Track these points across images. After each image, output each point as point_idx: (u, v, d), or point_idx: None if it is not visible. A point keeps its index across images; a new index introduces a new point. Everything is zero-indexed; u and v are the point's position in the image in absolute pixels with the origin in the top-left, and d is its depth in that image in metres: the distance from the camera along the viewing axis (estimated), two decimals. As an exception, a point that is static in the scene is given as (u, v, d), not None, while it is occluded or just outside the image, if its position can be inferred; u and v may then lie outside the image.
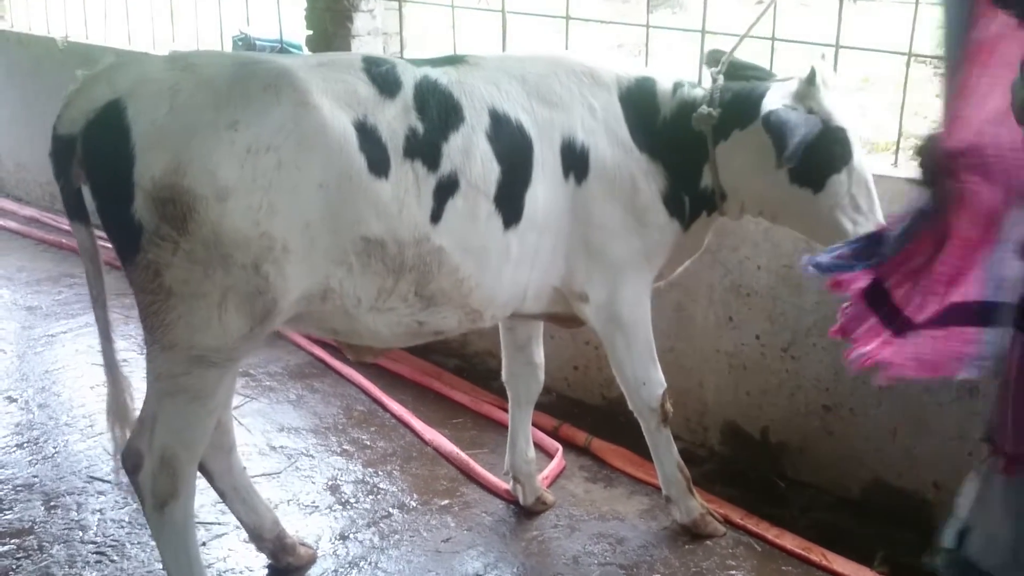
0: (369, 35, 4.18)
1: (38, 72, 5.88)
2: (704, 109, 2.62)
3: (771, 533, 2.99)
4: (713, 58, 2.77)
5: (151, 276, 2.20)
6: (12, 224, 5.78)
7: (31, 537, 2.94)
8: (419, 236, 2.38)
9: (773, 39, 3.19)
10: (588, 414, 3.70)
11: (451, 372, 4.04)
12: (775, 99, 2.55)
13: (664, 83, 2.74)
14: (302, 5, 4.37)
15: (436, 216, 2.39)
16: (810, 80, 2.54)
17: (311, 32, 4.32)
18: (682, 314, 3.44)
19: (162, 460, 2.34)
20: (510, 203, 2.50)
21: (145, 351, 2.34)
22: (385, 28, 4.21)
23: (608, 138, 2.64)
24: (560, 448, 3.42)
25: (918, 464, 3.03)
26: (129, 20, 5.53)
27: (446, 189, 2.40)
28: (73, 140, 2.25)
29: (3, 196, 6.30)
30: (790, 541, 2.95)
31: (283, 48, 4.77)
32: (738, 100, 2.65)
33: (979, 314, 1.79)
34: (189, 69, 2.22)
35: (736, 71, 2.74)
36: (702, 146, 2.69)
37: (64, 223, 5.70)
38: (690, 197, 2.75)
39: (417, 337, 2.62)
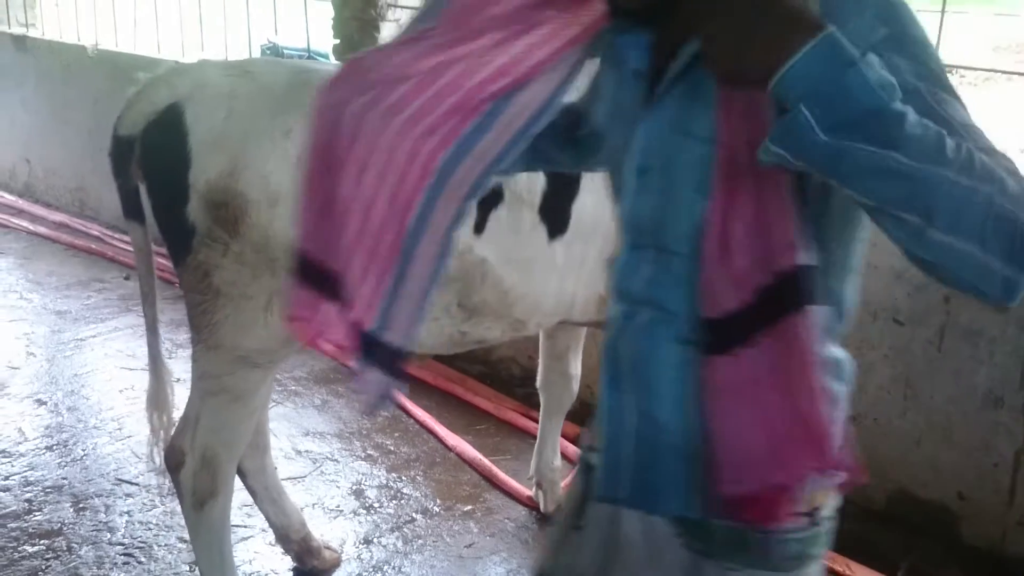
0: (395, 44, 4.21)
1: (68, 79, 5.96)
2: None
3: (794, 542, 2.98)
4: None
5: (201, 276, 2.24)
6: (42, 229, 5.85)
7: (60, 538, 2.98)
8: (462, 247, 2.39)
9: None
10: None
11: (475, 378, 4.06)
12: None
13: None
14: (329, 14, 4.41)
15: (480, 227, 2.40)
16: None
17: (338, 41, 4.36)
18: (706, 322, 3.44)
19: (203, 459, 2.38)
20: (556, 213, 2.49)
21: (191, 351, 2.38)
22: (411, 37, 4.24)
23: None
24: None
25: (942, 474, 3.02)
26: (158, 28, 5.60)
27: (490, 200, 2.41)
28: (132, 141, 2.30)
29: (33, 201, 6.38)
30: (813, 550, 2.94)
31: (310, 57, 4.81)
32: None
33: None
34: (247, 76, 2.27)
35: None
36: None
37: (94, 228, 5.78)
38: None
39: (460, 346, 2.62)
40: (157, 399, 2.53)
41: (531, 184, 2.45)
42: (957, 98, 1.12)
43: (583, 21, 1.26)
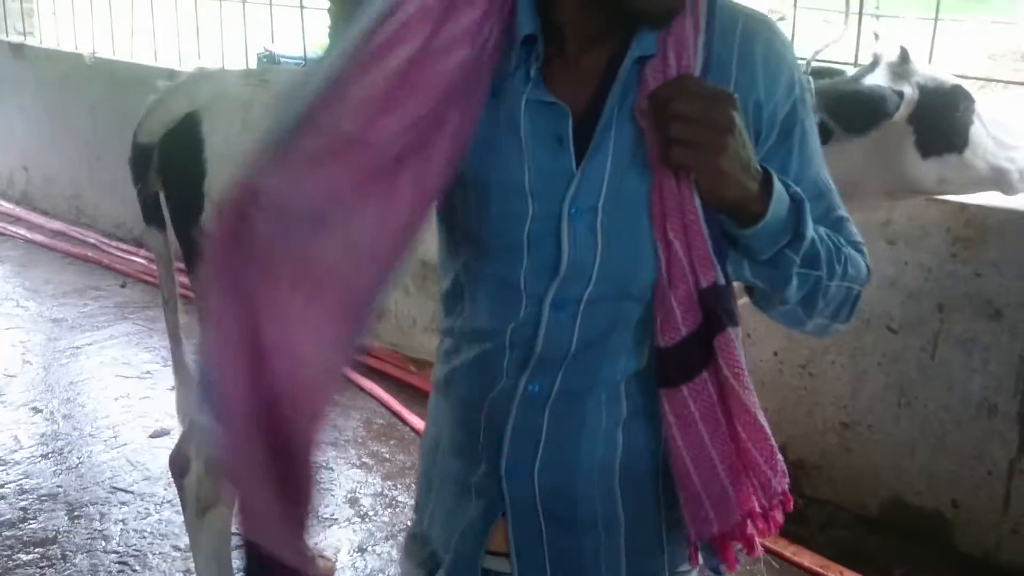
0: (391, 52, 4.21)
1: (65, 87, 5.97)
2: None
3: (789, 551, 2.98)
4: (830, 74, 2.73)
5: None
6: (39, 237, 5.85)
7: (55, 546, 2.97)
8: None
9: (792, 57, 3.20)
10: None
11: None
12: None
13: None
14: (326, 23, 4.42)
15: None
16: (904, 58, 2.55)
17: (334, 49, 4.36)
18: (700, 330, 3.44)
19: (208, 466, 2.38)
20: None
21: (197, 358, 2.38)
22: (407, 45, 4.25)
23: None
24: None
25: (936, 482, 3.03)
26: (155, 37, 5.61)
27: None
28: (151, 149, 2.31)
29: (30, 209, 6.38)
30: (808, 559, 2.94)
31: (307, 65, 4.82)
32: (840, 103, 2.59)
33: None
34: (263, 85, 2.28)
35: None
36: None
37: (90, 236, 5.78)
38: None
39: None
40: (186, 406, 2.53)
41: None
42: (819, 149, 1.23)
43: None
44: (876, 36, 2.80)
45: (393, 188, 1.07)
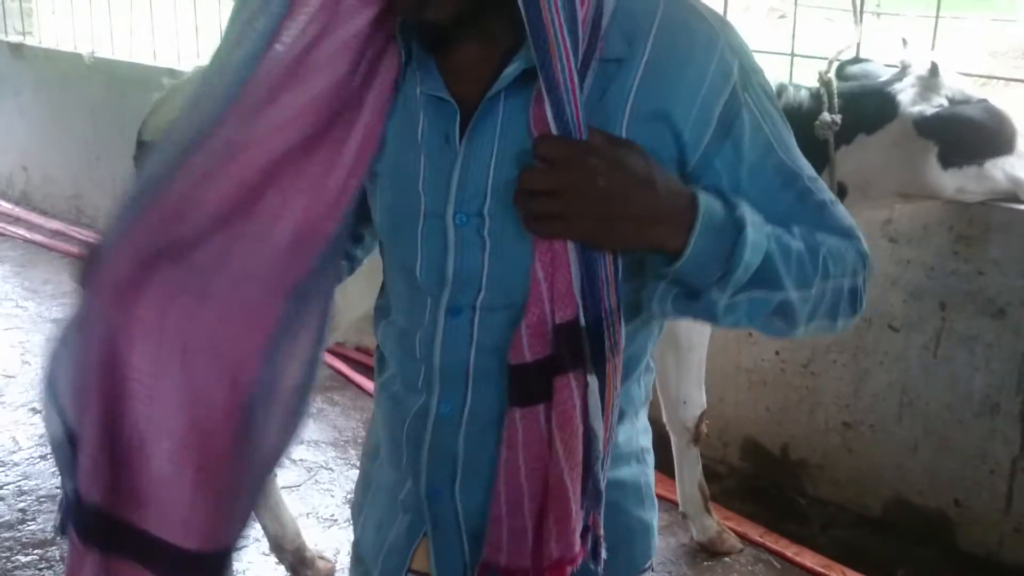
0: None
1: (65, 87, 5.96)
2: (827, 116, 2.57)
3: (791, 551, 2.97)
4: (838, 74, 2.72)
5: None
6: (38, 237, 5.84)
7: (53, 548, 2.96)
8: None
9: (792, 55, 3.19)
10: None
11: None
12: (911, 99, 2.56)
13: None
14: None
15: None
16: (934, 72, 2.55)
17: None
18: (701, 329, 3.44)
19: None
20: None
21: None
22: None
23: None
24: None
25: (939, 482, 3.01)
26: (155, 37, 5.60)
27: None
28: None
29: (30, 209, 6.37)
30: (810, 559, 2.93)
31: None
32: (859, 103, 2.62)
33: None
34: None
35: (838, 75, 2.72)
36: (813, 149, 2.55)
37: (90, 236, 5.76)
38: None
39: None
40: None
41: None
42: (790, 130, 1.15)
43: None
44: (904, 42, 2.78)
45: (298, 182, 1.08)
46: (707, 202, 1.02)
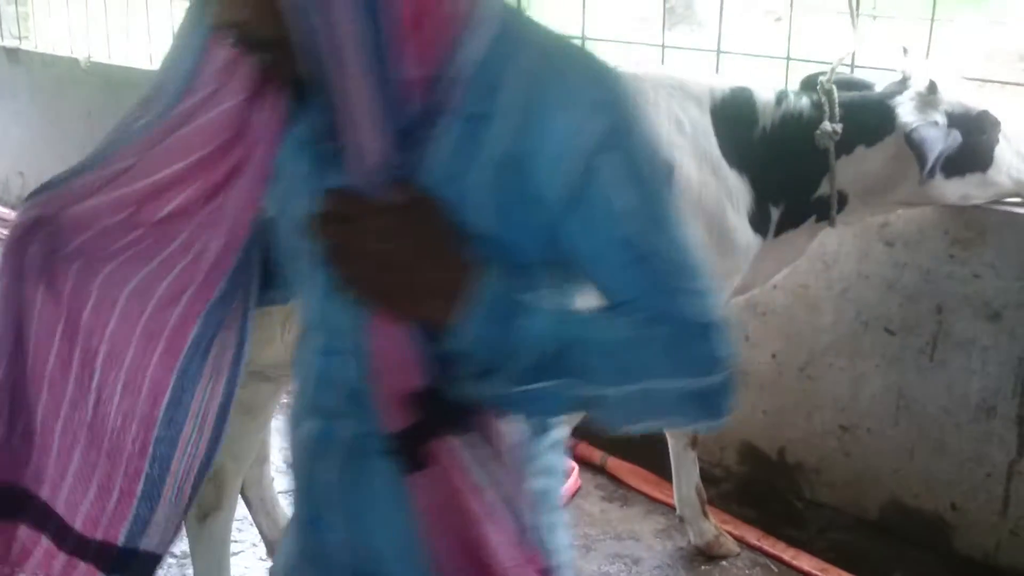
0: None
1: (61, 92, 5.95)
2: (828, 126, 2.57)
3: (788, 554, 2.97)
4: (809, 83, 2.71)
5: None
6: (35, 242, 5.83)
7: None
8: None
9: (788, 59, 3.20)
10: (603, 432, 3.69)
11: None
12: (909, 113, 2.56)
13: (764, 93, 2.67)
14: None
15: None
16: (932, 90, 2.56)
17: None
18: (698, 333, 3.43)
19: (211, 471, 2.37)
20: None
21: None
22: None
23: (696, 154, 2.59)
24: (576, 467, 3.42)
25: (936, 485, 3.02)
26: (151, 40, 5.60)
27: None
28: None
29: (26, 214, 6.35)
30: (807, 562, 2.93)
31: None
32: (859, 115, 2.62)
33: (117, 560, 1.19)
34: None
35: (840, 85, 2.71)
36: (813, 157, 2.62)
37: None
38: (794, 208, 2.70)
39: None
40: None
41: None
42: (669, 200, 1.04)
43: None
44: (905, 50, 2.79)
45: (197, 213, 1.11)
46: (494, 282, 0.97)
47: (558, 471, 1.25)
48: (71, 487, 1.14)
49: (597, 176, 0.98)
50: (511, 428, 1.08)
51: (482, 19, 0.99)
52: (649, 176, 1.01)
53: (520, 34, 1.02)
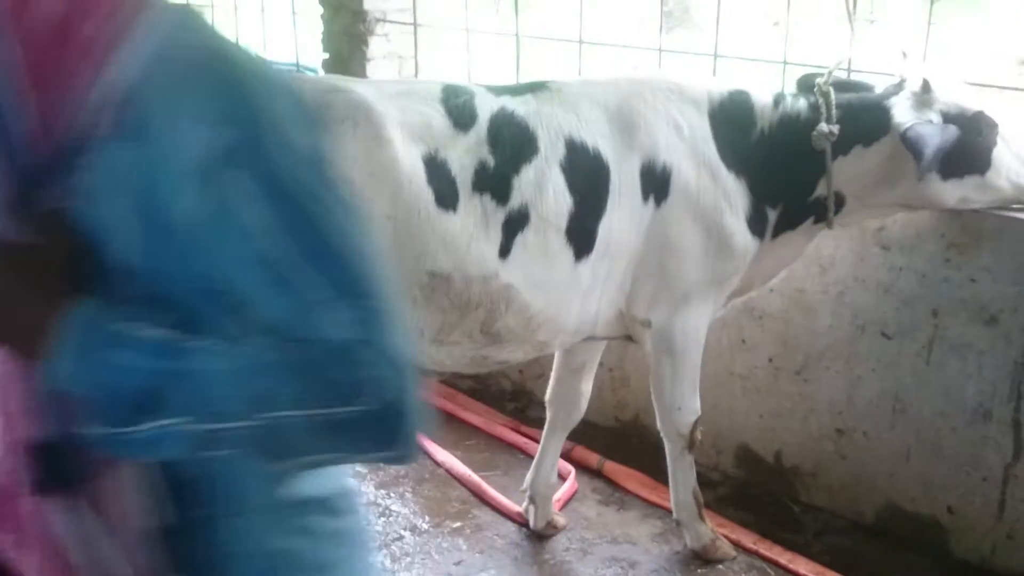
0: (384, 58, 4.22)
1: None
2: (824, 127, 2.59)
3: (784, 558, 2.97)
4: (806, 84, 2.72)
5: None
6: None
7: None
8: (487, 272, 2.40)
9: (785, 63, 3.20)
10: (601, 436, 3.70)
11: (465, 393, 4.04)
12: (904, 113, 2.56)
13: (761, 96, 2.68)
14: (318, 29, 4.41)
15: (505, 251, 2.42)
16: (926, 89, 2.56)
17: (327, 55, 4.36)
18: (695, 336, 3.44)
19: None
20: (583, 234, 2.50)
21: None
22: (400, 52, 4.25)
23: (694, 158, 2.61)
24: (573, 470, 3.42)
25: (932, 488, 3.02)
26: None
27: (516, 223, 2.43)
28: None
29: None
30: (803, 566, 2.93)
31: (299, 71, 4.81)
32: (856, 115, 2.63)
33: None
34: None
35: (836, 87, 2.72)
36: (810, 158, 2.63)
37: None
38: (792, 209, 2.71)
39: (481, 367, 2.66)
40: None
41: (558, 206, 2.46)
42: (330, 215, 0.97)
43: None
44: (903, 54, 2.79)
45: None
46: (85, 316, 0.92)
47: (321, 533, 1.15)
48: None
49: (222, 193, 0.92)
50: (140, 493, 0.99)
51: (137, 37, 0.93)
52: (292, 189, 0.95)
53: (174, 48, 0.95)
